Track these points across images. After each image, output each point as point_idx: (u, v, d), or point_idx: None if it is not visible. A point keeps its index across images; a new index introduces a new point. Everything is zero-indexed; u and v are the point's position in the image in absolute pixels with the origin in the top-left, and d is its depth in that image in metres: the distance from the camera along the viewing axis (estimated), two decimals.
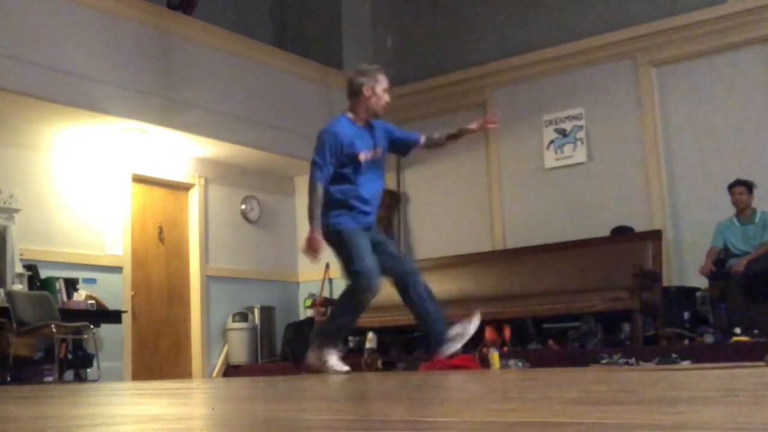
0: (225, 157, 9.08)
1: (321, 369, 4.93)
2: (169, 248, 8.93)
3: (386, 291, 5.17)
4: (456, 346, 5.02)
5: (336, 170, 4.81)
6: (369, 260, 4.78)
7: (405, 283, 4.95)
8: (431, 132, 5.25)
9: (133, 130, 7.95)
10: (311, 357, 5.03)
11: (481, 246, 9.11)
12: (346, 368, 4.97)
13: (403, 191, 10.05)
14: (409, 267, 5.13)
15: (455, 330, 5.00)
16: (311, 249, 4.82)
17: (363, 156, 4.80)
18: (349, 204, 4.84)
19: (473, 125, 5.13)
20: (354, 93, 4.90)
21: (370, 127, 4.91)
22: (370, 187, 4.89)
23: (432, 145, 5.18)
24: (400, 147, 5.13)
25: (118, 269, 8.20)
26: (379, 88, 4.85)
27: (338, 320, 5.06)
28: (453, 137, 5.15)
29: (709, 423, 1.08)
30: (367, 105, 4.87)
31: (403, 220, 10.00)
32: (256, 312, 9.19)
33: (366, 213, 4.89)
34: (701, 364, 5.29)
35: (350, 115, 4.92)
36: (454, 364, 6.17)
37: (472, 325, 5.01)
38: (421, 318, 5.02)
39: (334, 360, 4.97)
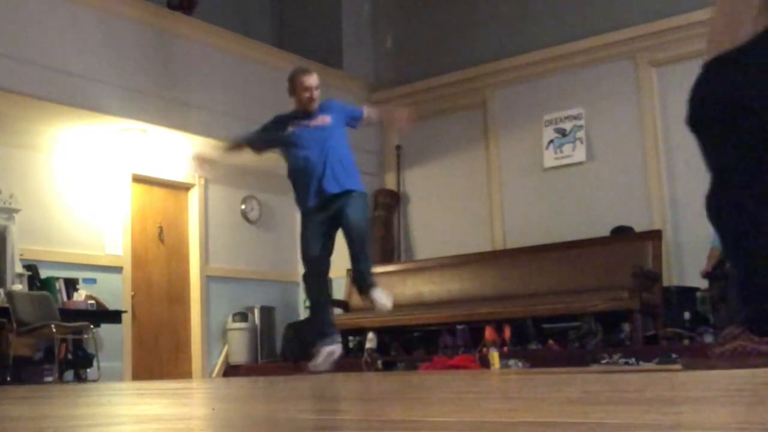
0: (225, 157, 9.06)
1: (327, 367, 5.25)
2: (169, 248, 8.92)
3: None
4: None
5: (281, 146, 5.58)
6: (309, 245, 5.38)
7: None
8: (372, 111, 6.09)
9: (132, 130, 7.94)
10: (317, 358, 5.33)
11: (481, 246, 9.11)
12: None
13: (403, 191, 10.06)
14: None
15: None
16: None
17: (291, 127, 5.49)
18: (296, 177, 5.45)
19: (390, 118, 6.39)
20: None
21: (315, 111, 5.55)
22: (311, 153, 5.35)
23: (368, 122, 5.95)
24: (350, 121, 5.74)
25: (118, 269, 8.20)
26: (298, 89, 5.56)
27: (311, 309, 5.71)
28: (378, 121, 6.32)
29: (709, 423, 1.08)
30: (296, 101, 5.63)
31: (403, 220, 10.00)
32: (256, 312, 9.18)
33: (312, 181, 5.31)
34: None
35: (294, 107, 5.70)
36: (454, 364, 6.18)
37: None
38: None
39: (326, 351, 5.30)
